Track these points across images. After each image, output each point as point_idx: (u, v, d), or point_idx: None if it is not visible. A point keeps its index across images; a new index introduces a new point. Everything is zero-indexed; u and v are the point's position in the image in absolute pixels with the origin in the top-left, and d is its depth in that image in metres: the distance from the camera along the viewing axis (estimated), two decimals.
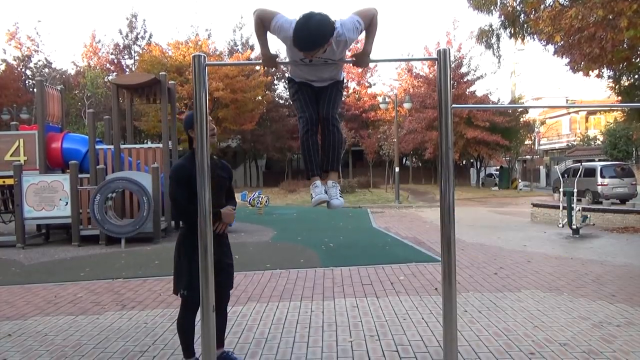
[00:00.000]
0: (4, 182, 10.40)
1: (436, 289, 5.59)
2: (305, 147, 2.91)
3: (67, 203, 9.69)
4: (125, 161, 10.73)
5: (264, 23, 2.61)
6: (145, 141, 31.20)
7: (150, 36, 37.42)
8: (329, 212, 14.30)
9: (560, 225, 10.50)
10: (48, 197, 9.69)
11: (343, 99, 3.23)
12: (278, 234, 10.99)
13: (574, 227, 10.04)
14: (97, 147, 10.59)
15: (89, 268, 7.37)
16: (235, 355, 3.56)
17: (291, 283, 6.08)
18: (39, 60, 32.73)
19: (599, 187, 18.97)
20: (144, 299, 5.44)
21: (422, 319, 4.53)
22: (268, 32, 2.66)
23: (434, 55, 2.42)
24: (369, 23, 2.63)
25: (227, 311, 3.57)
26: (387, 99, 26.21)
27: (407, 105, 24.20)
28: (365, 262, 7.34)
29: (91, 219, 9.57)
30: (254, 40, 37.48)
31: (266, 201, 16.86)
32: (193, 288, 2.95)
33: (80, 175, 9.97)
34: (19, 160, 10.06)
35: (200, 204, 2.39)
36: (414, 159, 39.97)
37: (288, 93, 3.37)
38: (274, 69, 2.81)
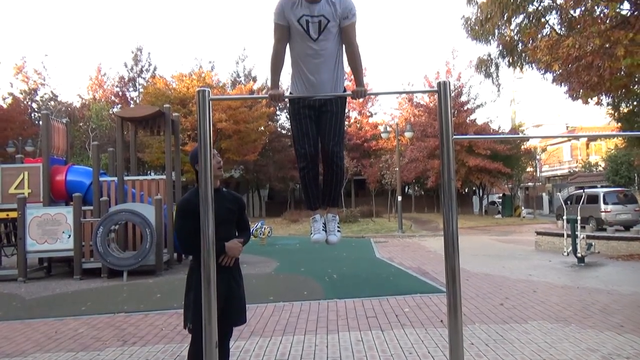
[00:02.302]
0: (7, 215, 10.40)
1: (442, 320, 5.51)
2: (304, 182, 2.94)
3: (70, 236, 9.68)
4: (128, 193, 10.76)
5: (280, 42, 2.80)
6: (149, 172, 31.33)
7: (155, 69, 37.99)
8: None
9: (565, 254, 10.42)
10: (51, 229, 9.69)
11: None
12: (281, 265, 10.91)
13: (579, 255, 9.95)
14: (101, 179, 10.63)
15: (90, 302, 7.30)
16: None
17: (294, 316, 6.00)
18: (45, 94, 33.17)
19: (603, 213, 18.87)
20: (145, 334, 5.37)
21: (429, 352, 4.45)
22: (280, 71, 2.85)
23: (434, 86, 2.46)
24: (351, 45, 2.81)
25: (230, 346, 3.51)
26: (388, 129, 26.39)
27: (408, 135, 24.34)
28: (369, 294, 7.26)
29: (93, 251, 9.54)
30: (257, 72, 38.22)
31: (269, 231, 16.81)
32: (199, 322, 2.93)
33: (83, 208, 9.99)
34: (23, 193, 10.09)
35: (202, 236, 2.39)
36: (416, 188, 39.93)
37: (288, 112, 3.38)
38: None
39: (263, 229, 16.42)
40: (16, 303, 7.48)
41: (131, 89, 37.51)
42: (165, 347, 4.84)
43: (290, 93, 2.97)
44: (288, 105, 3.09)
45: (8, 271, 10.01)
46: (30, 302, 7.56)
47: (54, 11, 64.32)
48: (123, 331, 5.51)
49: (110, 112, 30.97)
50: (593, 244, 10.57)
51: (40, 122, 11.44)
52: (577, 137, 39.01)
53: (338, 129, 2.92)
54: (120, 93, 36.99)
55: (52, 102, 32.49)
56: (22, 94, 32.30)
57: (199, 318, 2.62)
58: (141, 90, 35.61)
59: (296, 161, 2.98)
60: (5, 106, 29.15)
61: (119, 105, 34.06)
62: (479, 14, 12.80)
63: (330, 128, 2.89)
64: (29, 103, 32.77)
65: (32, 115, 32.37)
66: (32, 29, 61.86)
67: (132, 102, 35.94)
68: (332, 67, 2.83)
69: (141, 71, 37.42)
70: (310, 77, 2.83)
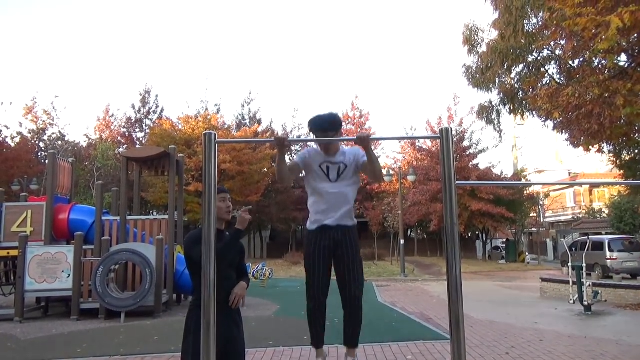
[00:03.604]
0: (8, 253, 10.36)
1: None
2: (310, 320, 3.11)
3: (69, 275, 9.59)
4: (130, 232, 10.74)
5: (293, 172, 3.13)
6: (151, 212, 31.32)
7: (162, 110, 38.55)
8: (333, 285, 14.00)
9: (572, 302, 10.23)
10: (50, 268, 9.61)
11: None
12: (281, 308, 10.72)
13: (586, 303, 9.77)
14: (104, 218, 10.63)
15: (86, 344, 7.15)
16: None
17: None
18: (53, 133, 33.60)
19: (608, 261, 18.61)
20: None
21: None
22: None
23: (437, 131, 2.53)
24: (374, 171, 3.03)
25: None
26: (391, 172, 26.55)
27: (411, 178, 24.49)
28: (371, 340, 7.09)
29: (92, 291, 9.43)
30: (262, 115, 38.90)
31: (270, 273, 16.63)
32: None
33: (84, 247, 9.95)
34: (25, 231, 10.08)
35: (204, 276, 2.37)
36: (418, 231, 39.70)
37: (305, 243, 3.51)
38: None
39: (264, 271, 16.25)
40: (11, 344, 7.33)
41: (138, 129, 38.04)
42: None
43: (310, 231, 3.19)
44: (306, 236, 3.27)
45: (5, 311, 9.87)
46: (25, 343, 7.41)
47: (65, 54, 66.36)
48: None
49: (116, 152, 31.31)
50: (599, 292, 10.39)
51: (47, 161, 11.55)
52: (580, 185, 39.10)
53: (356, 273, 3.10)
54: (127, 134, 37.49)
55: (60, 142, 32.91)
56: (30, 133, 32.76)
57: None
58: (147, 131, 36.12)
59: (306, 297, 3.14)
60: (13, 145, 29.53)
61: (125, 146, 34.46)
62: (479, 63, 13.16)
63: (349, 274, 3.07)
64: (37, 142, 33.19)
65: (39, 154, 32.72)
66: (43, 71, 63.66)
67: (138, 142, 36.39)
68: (349, 199, 3.12)
69: (148, 113, 38.06)
70: (325, 208, 3.09)
